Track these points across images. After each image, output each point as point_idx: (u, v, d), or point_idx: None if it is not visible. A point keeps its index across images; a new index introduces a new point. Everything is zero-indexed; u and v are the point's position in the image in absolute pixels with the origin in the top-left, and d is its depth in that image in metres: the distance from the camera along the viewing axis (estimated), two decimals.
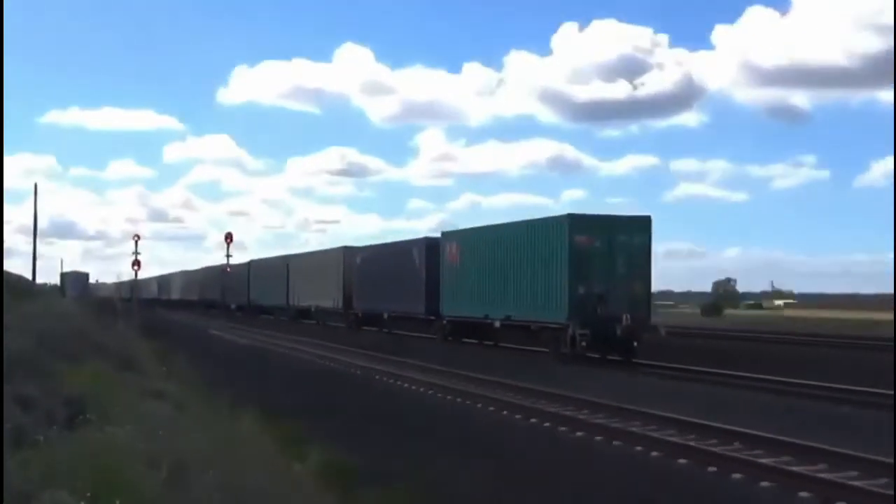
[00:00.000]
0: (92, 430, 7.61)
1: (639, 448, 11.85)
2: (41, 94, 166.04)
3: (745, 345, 32.92)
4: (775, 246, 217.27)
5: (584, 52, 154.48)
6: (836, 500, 8.91)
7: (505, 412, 15.18)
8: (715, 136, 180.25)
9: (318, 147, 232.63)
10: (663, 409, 14.10)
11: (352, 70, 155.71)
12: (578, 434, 13.07)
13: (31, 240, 57.16)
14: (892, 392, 15.86)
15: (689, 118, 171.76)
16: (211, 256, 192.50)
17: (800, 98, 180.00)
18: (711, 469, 10.52)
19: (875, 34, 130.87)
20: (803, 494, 9.21)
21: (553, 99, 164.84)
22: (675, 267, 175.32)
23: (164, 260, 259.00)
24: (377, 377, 21.48)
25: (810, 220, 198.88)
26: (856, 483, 9.29)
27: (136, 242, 54.93)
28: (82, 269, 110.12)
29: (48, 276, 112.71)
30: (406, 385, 19.73)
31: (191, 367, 18.74)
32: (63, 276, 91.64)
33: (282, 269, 57.16)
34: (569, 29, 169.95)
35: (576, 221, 25.67)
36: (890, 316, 43.73)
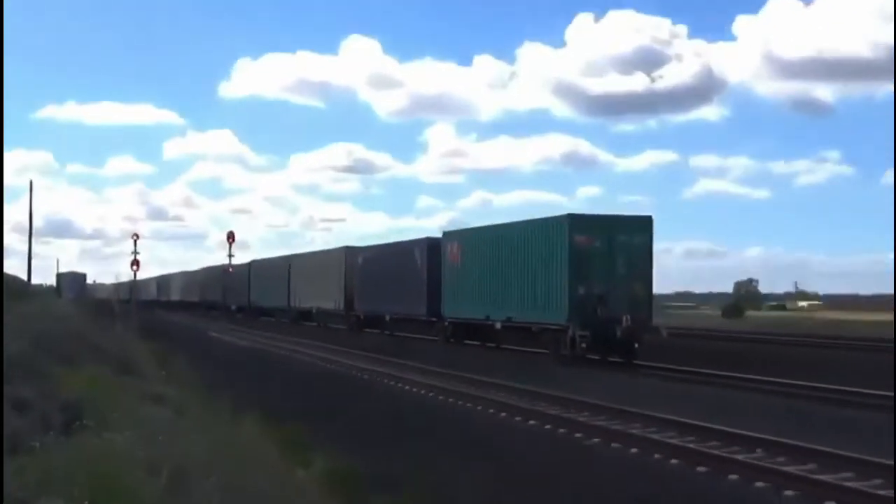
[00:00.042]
0: (89, 435, 7.56)
1: (636, 450, 12.01)
2: (37, 88, 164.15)
3: (758, 347, 32.74)
4: (799, 245, 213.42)
5: (600, 43, 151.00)
6: (834, 500, 9.17)
7: (503, 414, 15.40)
8: (736, 131, 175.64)
9: (323, 143, 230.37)
10: (664, 411, 14.20)
11: (358, 63, 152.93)
12: (577, 436, 13.23)
13: (27, 239, 57.21)
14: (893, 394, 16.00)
15: (709, 112, 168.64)
16: (212, 256, 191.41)
17: (824, 91, 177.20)
18: (707, 471, 10.66)
19: None
20: (799, 494, 9.46)
21: (567, 92, 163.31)
22: (695, 267, 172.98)
23: (163, 260, 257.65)
24: (379, 379, 21.61)
25: (835, 219, 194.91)
26: (849, 484, 9.54)
27: (135, 242, 54.58)
28: (79, 269, 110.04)
29: (44, 276, 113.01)
30: (407, 387, 19.89)
31: (191, 370, 18.71)
32: (59, 276, 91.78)
33: (283, 269, 57.07)
34: (584, 20, 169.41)
35: (575, 221, 25.77)
36: None
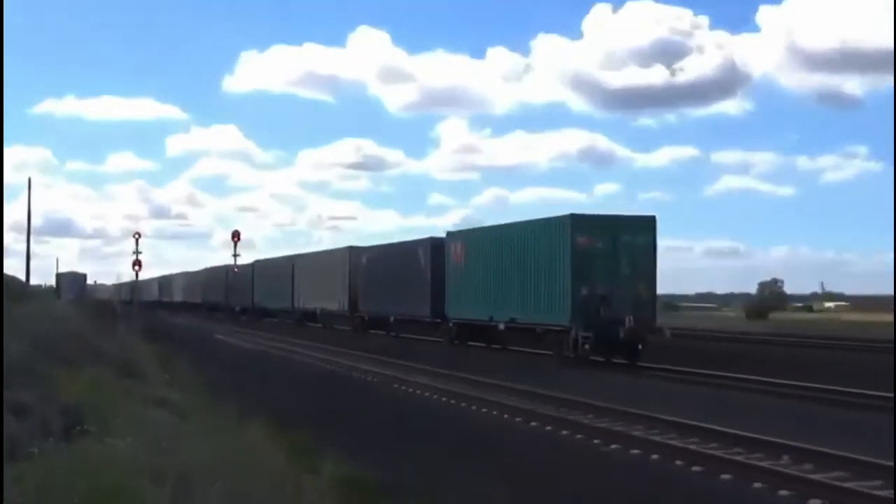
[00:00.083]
0: (91, 441, 7.54)
1: (637, 451, 12.24)
2: (35, 83, 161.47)
3: (768, 349, 32.65)
4: (826, 244, 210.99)
5: (618, 35, 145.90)
6: (834, 500, 9.41)
7: (506, 416, 15.68)
8: (760, 126, 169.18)
9: (331, 138, 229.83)
10: (667, 412, 14.36)
11: (367, 55, 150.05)
12: (578, 437, 13.47)
13: (25, 238, 57.14)
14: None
15: (732, 106, 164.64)
16: (217, 256, 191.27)
17: (851, 84, 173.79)
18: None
19: None
20: (795, 495, 9.70)
21: (584, 86, 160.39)
22: (718, 267, 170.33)
23: (166, 259, 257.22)
24: (383, 382, 21.79)
25: (864, 216, 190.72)
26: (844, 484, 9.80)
27: (137, 241, 54.82)
28: (79, 269, 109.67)
29: (43, 276, 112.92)
30: (410, 389, 20.08)
31: (194, 373, 18.68)
32: (59, 276, 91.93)
33: (287, 269, 57.02)
34: (601, 10, 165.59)
35: (578, 222, 25.95)
36: None
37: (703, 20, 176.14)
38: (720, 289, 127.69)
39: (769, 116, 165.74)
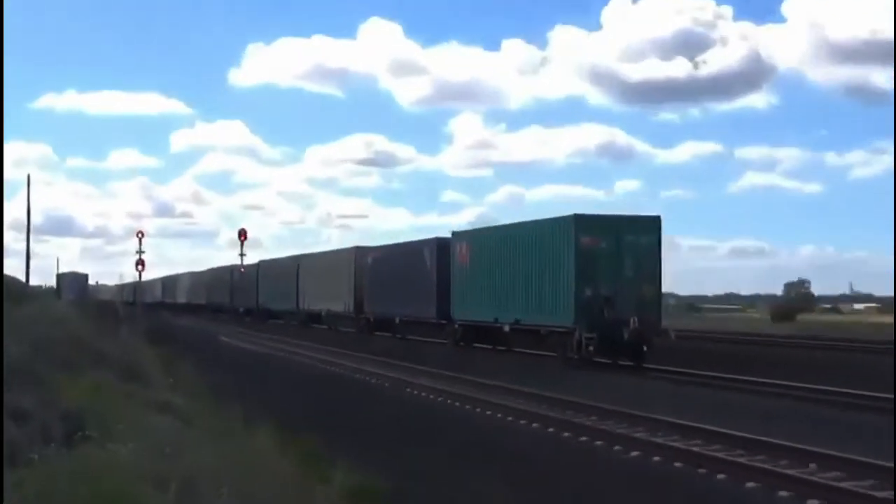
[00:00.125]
0: (92, 447, 7.53)
1: (638, 453, 12.51)
2: (34, 77, 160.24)
3: (789, 352, 32.50)
4: (854, 243, 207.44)
5: (638, 26, 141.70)
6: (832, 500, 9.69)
7: (510, 418, 15.96)
8: (785, 120, 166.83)
9: (341, 134, 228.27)
10: (670, 414, 14.59)
11: (379, 48, 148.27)
12: (582, 439, 13.70)
13: (24, 237, 57.15)
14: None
15: (757, 100, 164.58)
16: (223, 255, 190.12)
17: (880, 76, 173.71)
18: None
19: None
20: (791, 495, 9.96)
21: (603, 79, 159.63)
22: (742, 267, 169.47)
23: (170, 259, 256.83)
24: (389, 385, 22.02)
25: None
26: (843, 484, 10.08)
27: (140, 240, 54.47)
28: (80, 269, 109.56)
29: (43, 277, 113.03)
30: (416, 392, 20.30)
31: (198, 377, 18.69)
32: (59, 277, 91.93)
33: (292, 270, 57.00)
34: (621, 0, 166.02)
35: (581, 222, 26.17)
36: None
37: (727, 10, 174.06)
38: (745, 290, 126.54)
39: (795, 111, 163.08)
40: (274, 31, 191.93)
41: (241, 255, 58.92)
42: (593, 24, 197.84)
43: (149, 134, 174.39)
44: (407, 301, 38.39)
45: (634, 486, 10.65)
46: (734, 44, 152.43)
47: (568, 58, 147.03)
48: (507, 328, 29.83)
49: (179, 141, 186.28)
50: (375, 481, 9.45)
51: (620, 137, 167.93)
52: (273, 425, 10.94)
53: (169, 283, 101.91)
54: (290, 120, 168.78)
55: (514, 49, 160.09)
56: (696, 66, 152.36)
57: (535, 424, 15.02)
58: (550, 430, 14.52)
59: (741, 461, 11.37)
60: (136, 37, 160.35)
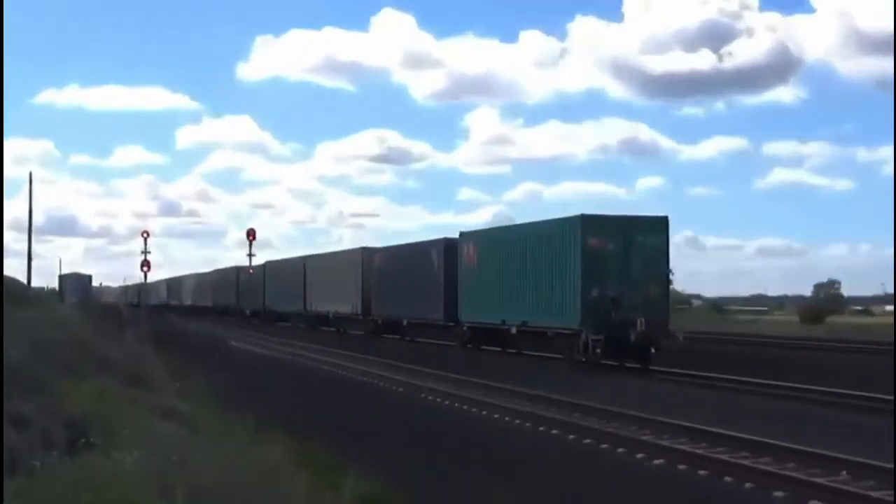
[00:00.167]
0: (96, 454, 7.52)
1: (642, 455, 12.70)
2: (35, 71, 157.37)
3: (807, 354, 32.34)
4: (887, 242, 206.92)
5: (661, 16, 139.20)
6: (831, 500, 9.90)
7: (517, 420, 16.16)
8: (814, 115, 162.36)
9: (352, 129, 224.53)
10: (678, 417, 14.77)
11: (392, 40, 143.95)
12: (586, 441, 13.88)
13: (26, 237, 56.84)
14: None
15: (785, 93, 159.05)
16: (231, 255, 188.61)
17: None
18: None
19: None
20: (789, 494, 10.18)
21: (625, 72, 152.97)
22: (770, 267, 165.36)
23: (176, 260, 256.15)
24: (395, 388, 22.18)
25: None
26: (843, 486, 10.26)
27: (146, 240, 54.52)
28: (84, 270, 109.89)
29: (45, 278, 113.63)
30: (423, 395, 20.46)
31: (205, 382, 18.69)
32: (62, 278, 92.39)
33: (299, 271, 56.95)
34: None
35: (588, 222, 26.29)
36: None
37: (753, 0, 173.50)
38: (773, 290, 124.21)
39: (825, 104, 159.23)
40: (283, 23, 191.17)
41: (250, 255, 58.92)
42: (615, 15, 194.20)
43: (154, 130, 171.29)
44: (415, 303, 38.43)
45: (638, 489, 10.80)
46: (761, 35, 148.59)
47: (588, 50, 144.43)
48: (514, 330, 29.92)
49: (186, 137, 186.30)
50: (386, 489, 9.38)
51: (643, 132, 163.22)
52: (281, 431, 10.91)
53: (174, 284, 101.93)
54: (301, 115, 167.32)
55: (533, 41, 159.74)
56: (721, 58, 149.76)
57: (541, 427, 15.20)
58: (555, 432, 14.73)
59: (745, 463, 11.53)
60: (139, 29, 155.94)
